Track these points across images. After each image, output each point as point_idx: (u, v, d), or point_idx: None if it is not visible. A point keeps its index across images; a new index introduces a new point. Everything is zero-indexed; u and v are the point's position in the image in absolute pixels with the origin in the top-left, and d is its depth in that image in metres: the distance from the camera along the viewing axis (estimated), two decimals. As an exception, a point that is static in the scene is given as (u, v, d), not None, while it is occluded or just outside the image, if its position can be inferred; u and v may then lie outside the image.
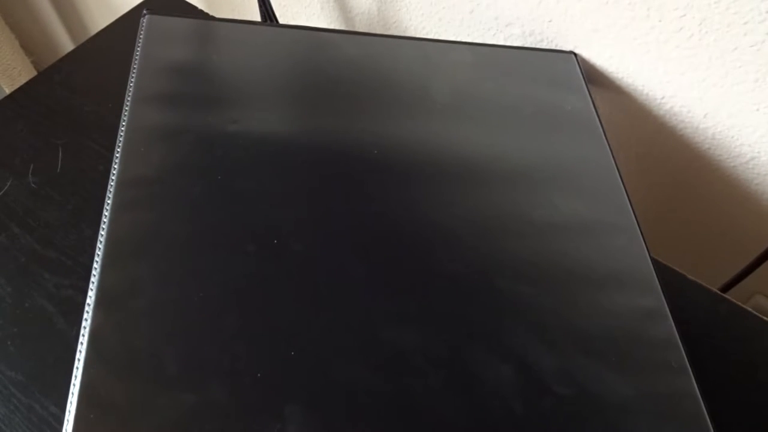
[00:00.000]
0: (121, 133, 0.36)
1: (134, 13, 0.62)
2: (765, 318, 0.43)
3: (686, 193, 0.54)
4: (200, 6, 0.68)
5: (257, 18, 0.61)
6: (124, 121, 0.36)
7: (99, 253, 0.31)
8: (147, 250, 0.32)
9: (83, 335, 0.28)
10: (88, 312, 0.29)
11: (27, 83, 0.56)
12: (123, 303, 0.30)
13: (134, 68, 0.39)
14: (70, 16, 1.05)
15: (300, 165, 0.37)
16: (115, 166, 0.34)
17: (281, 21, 0.69)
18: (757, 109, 0.44)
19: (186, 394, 0.28)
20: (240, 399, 0.28)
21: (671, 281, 0.44)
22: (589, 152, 0.42)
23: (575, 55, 0.49)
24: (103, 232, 0.32)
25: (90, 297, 0.30)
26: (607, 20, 0.46)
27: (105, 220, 0.32)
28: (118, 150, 0.35)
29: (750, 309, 0.43)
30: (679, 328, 0.34)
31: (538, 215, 0.38)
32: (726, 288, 0.53)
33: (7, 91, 1.03)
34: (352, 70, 0.43)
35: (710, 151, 0.49)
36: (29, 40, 1.17)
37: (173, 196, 0.34)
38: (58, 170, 0.49)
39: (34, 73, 1.08)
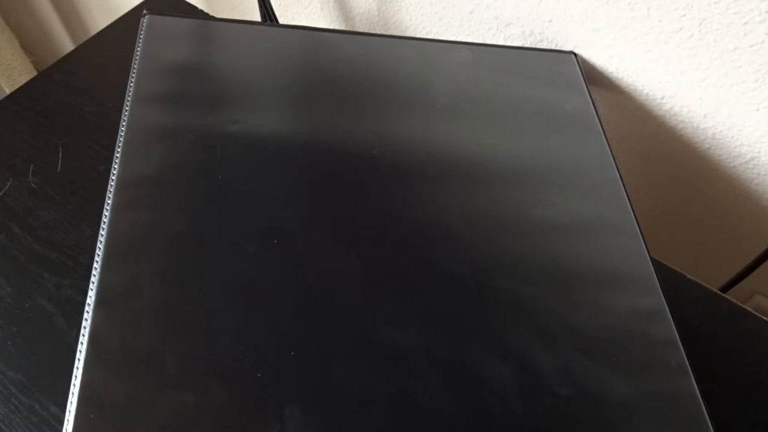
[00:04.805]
0: (121, 133, 0.36)
1: (134, 13, 0.62)
2: (765, 318, 0.43)
3: (686, 193, 0.54)
4: (200, 6, 0.68)
5: (257, 18, 0.61)
6: (124, 121, 0.36)
7: (99, 253, 0.31)
8: (147, 249, 0.32)
9: (83, 335, 0.28)
10: (88, 312, 0.29)
11: (27, 83, 0.56)
12: (123, 303, 0.30)
13: (134, 68, 0.39)
14: (70, 16, 1.05)
15: (300, 165, 0.37)
16: (115, 166, 0.34)
17: (281, 21, 0.69)
18: (757, 109, 0.44)
19: (186, 394, 0.28)
20: (240, 399, 0.28)
21: (671, 281, 0.44)
22: (589, 152, 0.42)
23: (575, 55, 0.49)
24: (103, 232, 0.32)
25: (90, 297, 0.30)
26: (607, 20, 0.46)
27: (105, 220, 0.32)
28: (118, 150, 0.35)
29: (750, 309, 0.43)
30: (679, 328, 0.34)
31: (538, 215, 0.38)
32: (726, 288, 0.53)
33: (7, 91, 1.03)
34: (352, 70, 0.43)
35: (710, 151, 0.49)
36: (29, 40, 1.17)
37: (173, 196, 0.34)
38: (58, 170, 0.49)
39: (34, 73, 1.08)
